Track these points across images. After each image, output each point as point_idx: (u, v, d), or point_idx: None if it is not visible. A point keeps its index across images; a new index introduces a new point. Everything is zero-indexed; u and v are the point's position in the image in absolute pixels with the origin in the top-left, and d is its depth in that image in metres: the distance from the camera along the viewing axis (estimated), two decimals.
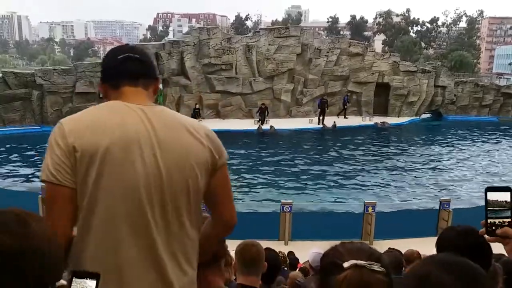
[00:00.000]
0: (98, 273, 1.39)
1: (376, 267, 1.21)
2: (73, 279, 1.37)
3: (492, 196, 1.21)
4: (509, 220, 1.20)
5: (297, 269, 6.24)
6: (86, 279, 1.37)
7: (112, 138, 1.48)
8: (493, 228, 1.20)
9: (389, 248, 5.96)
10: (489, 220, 1.21)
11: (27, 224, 1.04)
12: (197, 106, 24.96)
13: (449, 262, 1.02)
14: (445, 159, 20.78)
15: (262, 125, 25.46)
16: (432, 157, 20.85)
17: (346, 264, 1.21)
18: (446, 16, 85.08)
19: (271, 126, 25.08)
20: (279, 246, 8.36)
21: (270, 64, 26.97)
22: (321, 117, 26.43)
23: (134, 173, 1.49)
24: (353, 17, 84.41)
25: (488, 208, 1.21)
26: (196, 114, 24.81)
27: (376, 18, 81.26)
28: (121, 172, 1.48)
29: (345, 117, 27.93)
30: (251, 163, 18.61)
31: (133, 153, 1.49)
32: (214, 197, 1.73)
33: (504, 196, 1.21)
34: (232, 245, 2.72)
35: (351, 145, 22.48)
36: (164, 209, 1.54)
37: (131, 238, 1.50)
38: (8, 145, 20.06)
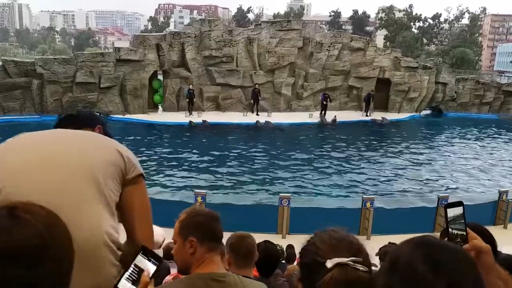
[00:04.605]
0: (162, 260, 1.41)
1: (359, 266, 1.21)
2: (140, 254, 1.40)
3: (450, 211, 1.31)
4: (465, 232, 1.29)
5: (295, 263, 6.27)
6: (150, 261, 1.40)
7: None
8: (456, 240, 1.28)
9: (389, 242, 5.99)
10: (452, 231, 1.29)
11: (20, 219, 0.98)
12: (191, 87, 24.99)
13: (422, 243, 1.02)
14: (443, 155, 20.80)
15: (256, 111, 26.00)
16: (431, 153, 20.87)
17: (329, 264, 1.21)
18: (449, 13, 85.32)
19: (267, 121, 24.98)
20: (276, 240, 8.39)
21: (271, 57, 26.90)
22: (322, 112, 26.45)
23: None
24: (355, 11, 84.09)
25: (450, 224, 1.30)
26: (191, 95, 24.85)
27: (378, 13, 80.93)
28: None
29: (367, 115, 27.94)
30: (250, 156, 18.63)
31: None
32: (127, 215, 1.75)
33: (458, 210, 1.31)
34: (226, 237, 2.72)
35: (350, 140, 22.49)
36: None
37: None
38: (7, 134, 20.07)
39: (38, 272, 0.95)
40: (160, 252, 3.82)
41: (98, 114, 2.29)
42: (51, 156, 1.62)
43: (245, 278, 2.04)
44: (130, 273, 1.39)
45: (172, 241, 2.02)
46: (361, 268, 1.21)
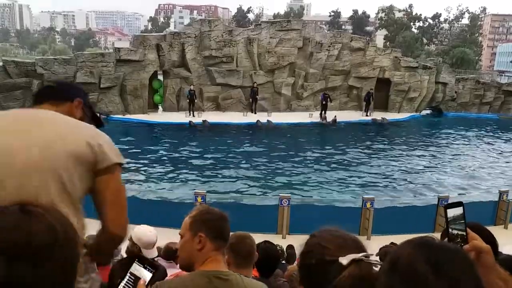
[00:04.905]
0: (158, 266, 1.40)
1: (373, 259, 1.22)
2: (135, 262, 1.39)
3: (450, 212, 1.30)
4: (465, 232, 1.28)
5: (295, 263, 6.26)
6: (145, 268, 1.39)
7: None
8: (456, 241, 1.27)
9: (391, 243, 5.99)
10: (452, 231, 1.29)
11: (32, 214, 0.98)
12: (192, 88, 25.00)
13: (422, 244, 1.02)
14: (444, 155, 20.79)
15: (254, 109, 26.09)
16: (431, 154, 20.85)
17: (344, 261, 1.22)
18: (449, 13, 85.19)
19: (269, 121, 25.02)
20: (276, 240, 8.39)
21: (271, 57, 26.90)
22: (322, 112, 26.45)
23: None
24: (355, 11, 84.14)
25: (450, 224, 1.30)
26: (192, 96, 24.83)
27: (378, 13, 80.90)
28: None
29: (367, 115, 27.88)
30: (250, 156, 18.62)
31: None
32: (97, 203, 1.74)
33: (458, 211, 1.31)
34: None
35: (350, 140, 22.48)
36: None
37: None
38: None
39: (50, 267, 0.95)
40: (154, 252, 3.81)
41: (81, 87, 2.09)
42: (11, 150, 1.54)
43: (246, 277, 2.05)
44: (126, 282, 1.39)
45: (171, 241, 2.03)
46: (375, 262, 1.22)
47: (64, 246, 0.98)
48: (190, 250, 1.95)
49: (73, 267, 1.02)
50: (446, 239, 1.27)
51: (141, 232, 3.80)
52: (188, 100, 24.91)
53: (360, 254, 1.23)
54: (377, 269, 1.21)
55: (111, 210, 1.73)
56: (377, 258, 1.24)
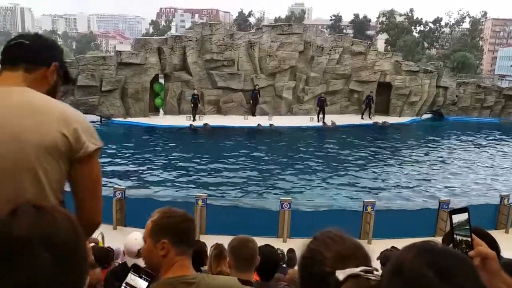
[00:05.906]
0: (153, 275, 1.40)
1: (371, 276, 1.19)
2: (130, 272, 1.40)
3: (455, 218, 1.30)
4: (470, 238, 1.28)
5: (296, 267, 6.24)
6: (141, 277, 1.39)
7: None
8: (461, 246, 1.27)
9: (392, 247, 5.98)
10: (456, 237, 1.28)
11: (49, 215, 0.99)
12: (196, 92, 25.00)
13: (425, 249, 1.01)
14: (444, 159, 20.77)
15: (254, 111, 26.18)
16: (432, 158, 20.83)
17: (341, 276, 1.19)
18: (450, 17, 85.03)
19: (271, 124, 25.06)
20: (277, 243, 8.38)
21: (272, 61, 26.93)
22: (320, 115, 26.45)
23: None
24: (356, 15, 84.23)
25: (455, 230, 1.29)
26: (195, 100, 24.80)
27: (379, 17, 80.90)
28: None
29: (369, 117, 27.89)
30: (251, 160, 18.62)
31: None
32: (76, 190, 1.70)
33: (463, 217, 1.31)
34: (227, 241, 2.70)
35: (350, 144, 22.48)
36: None
37: None
38: None
39: (76, 259, 0.97)
40: (140, 261, 3.76)
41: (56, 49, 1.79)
42: None
43: (217, 276, 2.01)
44: None
45: None
46: (373, 278, 1.19)
47: (81, 239, 1.01)
48: (154, 256, 1.88)
49: (87, 259, 1.05)
50: (450, 245, 1.27)
51: (130, 239, 3.79)
52: (192, 105, 24.86)
53: (358, 269, 1.19)
54: (374, 284, 1.18)
55: (90, 199, 1.69)
56: (380, 272, 1.18)
